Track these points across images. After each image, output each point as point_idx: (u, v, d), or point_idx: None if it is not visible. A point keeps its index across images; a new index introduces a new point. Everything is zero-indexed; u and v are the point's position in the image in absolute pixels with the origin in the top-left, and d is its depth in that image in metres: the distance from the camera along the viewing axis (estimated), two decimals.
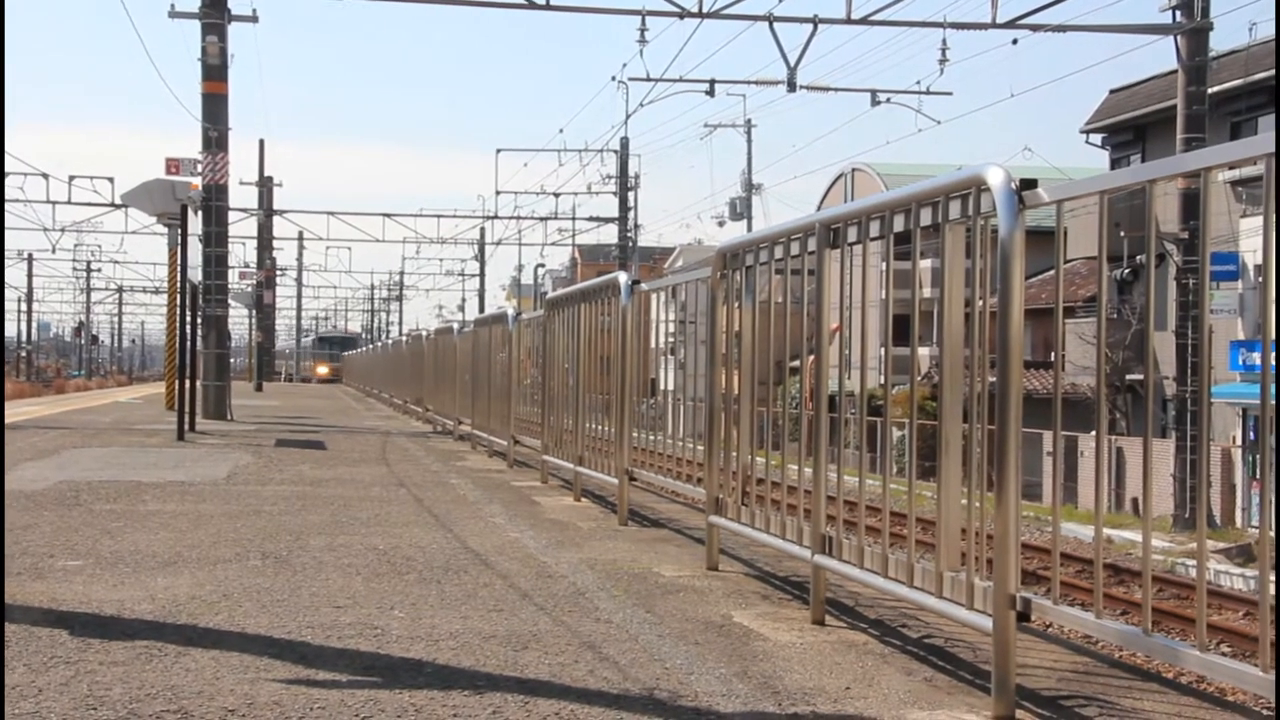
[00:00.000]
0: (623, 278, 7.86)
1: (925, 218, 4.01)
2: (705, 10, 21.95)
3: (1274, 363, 2.90)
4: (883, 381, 4.76)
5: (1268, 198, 2.81)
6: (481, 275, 68.71)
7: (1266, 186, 2.80)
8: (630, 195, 45.88)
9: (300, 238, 66.35)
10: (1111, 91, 35.88)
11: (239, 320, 74.64)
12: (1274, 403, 2.74)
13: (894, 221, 4.22)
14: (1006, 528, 3.42)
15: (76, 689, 3.57)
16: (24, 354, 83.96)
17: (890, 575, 4.16)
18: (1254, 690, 2.82)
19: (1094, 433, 3.46)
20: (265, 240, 51.69)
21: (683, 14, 21.99)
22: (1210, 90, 23.90)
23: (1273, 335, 2.85)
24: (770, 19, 22.73)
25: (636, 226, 47.79)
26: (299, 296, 78.69)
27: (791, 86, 25.08)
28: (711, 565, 5.94)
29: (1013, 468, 3.44)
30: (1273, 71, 28.43)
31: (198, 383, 17.70)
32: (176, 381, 16.52)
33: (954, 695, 3.71)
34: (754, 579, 5.72)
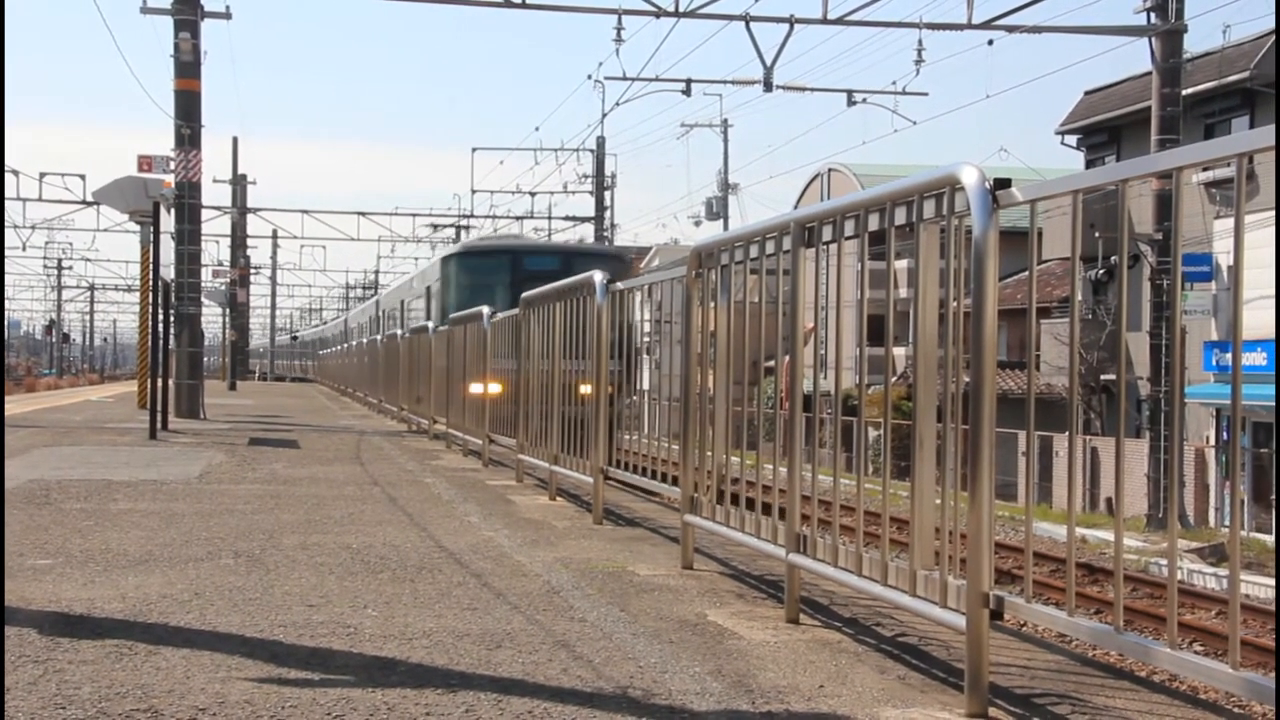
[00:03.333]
0: (598, 277, 7.85)
1: (900, 217, 4.02)
2: (682, 9, 21.96)
3: (1254, 362, 2.92)
4: (858, 381, 4.75)
5: (1239, 199, 2.82)
6: None
7: (1238, 187, 2.81)
8: (606, 194, 45.86)
9: (274, 236, 66.08)
10: (1087, 93, 36.05)
11: (213, 319, 74.34)
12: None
13: (869, 221, 4.22)
14: (980, 526, 3.43)
15: (45, 688, 3.54)
16: None
17: (864, 574, 4.17)
18: (1224, 688, 2.83)
19: (1067, 433, 3.47)
20: (239, 238, 51.52)
21: (659, 13, 22.00)
22: (1185, 92, 24.06)
23: (1243, 337, 2.86)
24: (747, 19, 22.77)
25: (613, 226, 47.77)
26: (273, 295, 78.42)
27: (768, 86, 25.12)
28: (686, 564, 5.94)
29: (986, 467, 3.44)
30: (1245, 74, 28.60)
31: (170, 381, 17.60)
32: (149, 380, 16.42)
33: (927, 693, 3.71)
34: (729, 578, 5.72)
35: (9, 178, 39.32)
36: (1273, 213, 2.68)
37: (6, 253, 76.88)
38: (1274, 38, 26.77)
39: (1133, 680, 3.95)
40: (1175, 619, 3.04)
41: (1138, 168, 3.13)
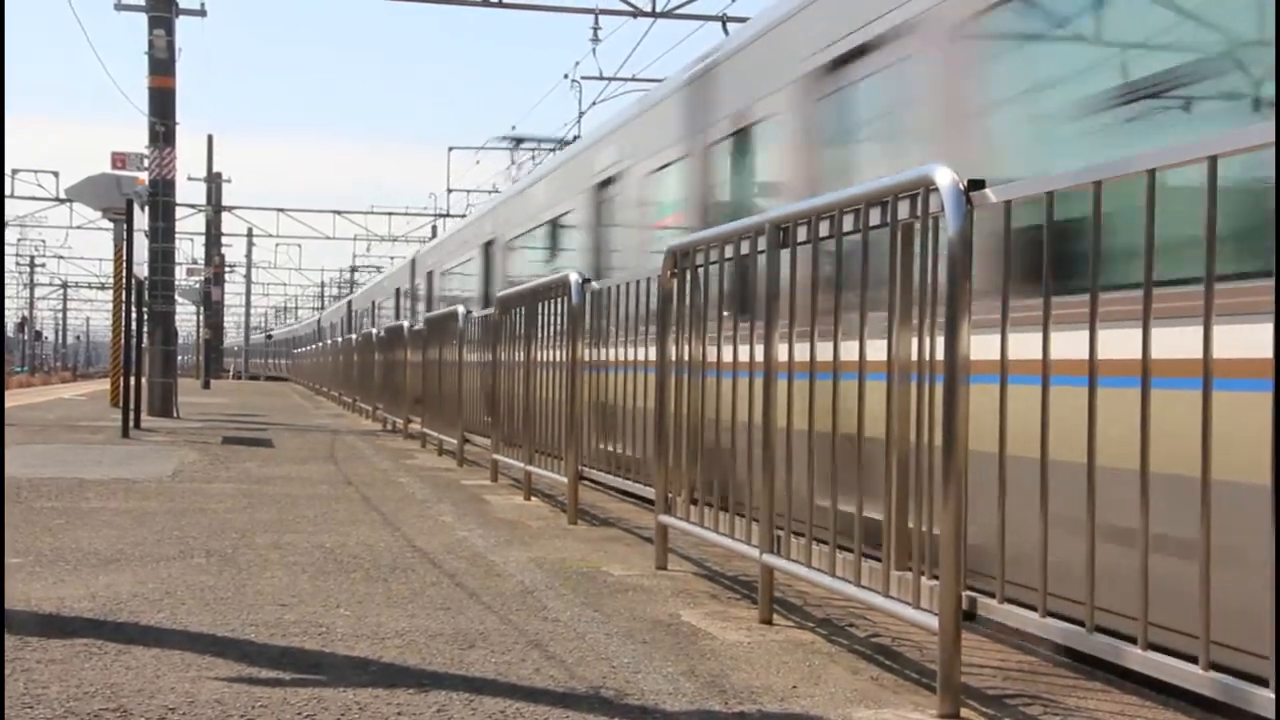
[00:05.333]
0: (574, 276, 7.84)
1: (875, 218, 4.02)
2: (659, 10, 21.97)
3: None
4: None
5: (1211, 201, 2.82)
6: None
7: (1210, 189, 2.82)
8: None
9: (249, 234, 65.84)
10: None
11: (187, 317, 74.02)
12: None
13: (844, 221, 4.23)
14: (953, 527, 3.43)
15: (12, 687, 3.51)
16: None
17: (838, 574, 4.17)
18: (1195, 689, 2.83)
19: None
20: (214, 236, 51.30)
21: (636, 13, 22.00)
22: None
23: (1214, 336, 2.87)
24: (723, 19, 22.76)
25: None
26: (248, 293, 77.85)
27: None
28: (661, 564, 5.93)
29: (959, 467, 3.45)
30: None
31: (143, 380, 17.51)
32: (122, 378, 16.33)
33: (900, 694, 3.72)
34: (703, 578, 5.72)
35: None
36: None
37: None
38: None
39: (1105, 681, 3.96)
40: (1146, 619, 3.04)
41: (1113, 168, 3.14)
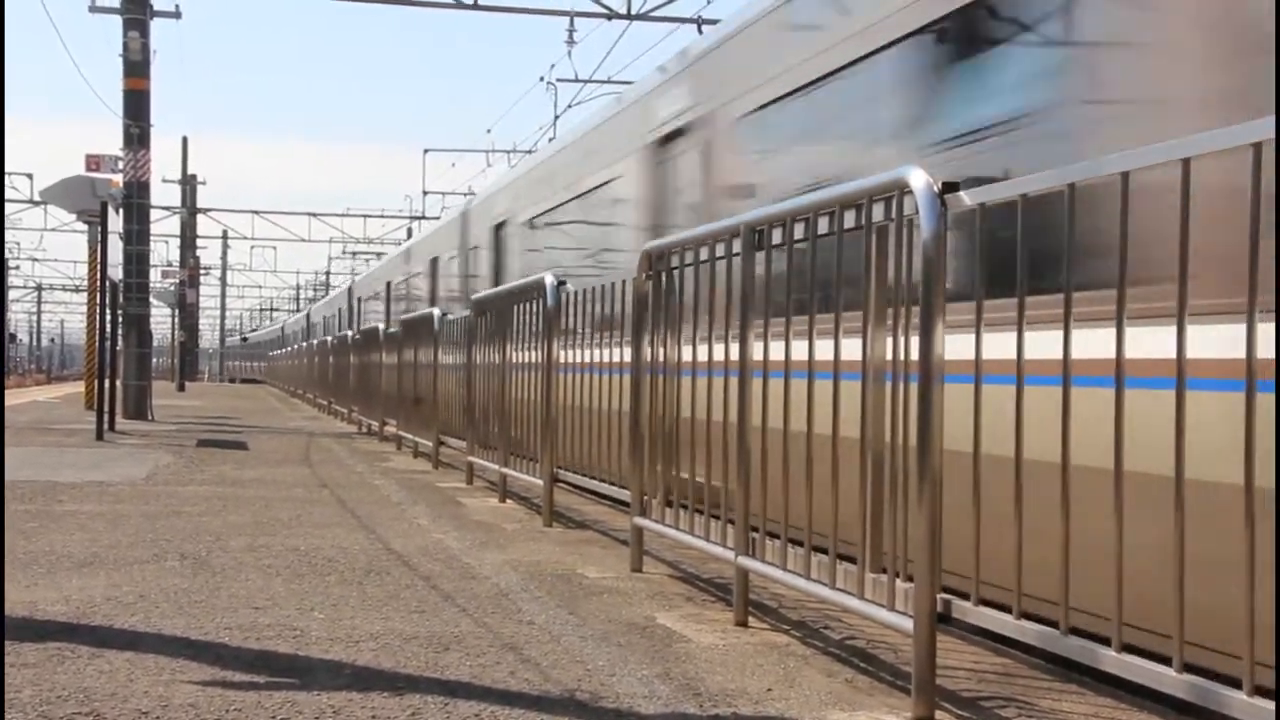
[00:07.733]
0: (549, 279, 7.84)
1: (850, 220, 4.03)
2: (634, 12, 21.97)
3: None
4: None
5: (1185, 203, 2.84)
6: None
7: (1183, 192, 2.83)
8: None
9: (224, 237, 65.70)
10: None
11: (161, 319, 73.63)
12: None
13: (819, 224, 4.23)
14: (928, 530, 3.44)
15: None
16: None
17: (813, 577, 4.17)
18: (1169, 691, 2.84)
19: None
20: (189, 239, 51.08)
21: (611, 15, 21.99)
22: None
23: (1188, 342, 2.89)
24: (699, 21, 22.76)
25: None
26: (223, 296, 77.64)
27: None
28: (636, 567, 5.93)
29: (934, 470, 3.45)
30: None
31: (118, 382, 17.41)
32: (96, 381, 16.23)
33: (874, 696, 3.72)
34: (678, 581, 5.72)
35: None
36: None
37: None
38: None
39: (1080, 683, 3.97)
40: (1120, 620, 3.06)
41: (1086, 170, 3.15)
